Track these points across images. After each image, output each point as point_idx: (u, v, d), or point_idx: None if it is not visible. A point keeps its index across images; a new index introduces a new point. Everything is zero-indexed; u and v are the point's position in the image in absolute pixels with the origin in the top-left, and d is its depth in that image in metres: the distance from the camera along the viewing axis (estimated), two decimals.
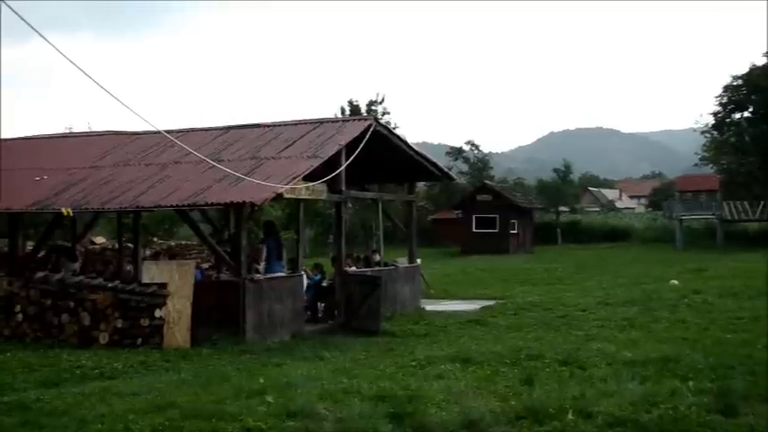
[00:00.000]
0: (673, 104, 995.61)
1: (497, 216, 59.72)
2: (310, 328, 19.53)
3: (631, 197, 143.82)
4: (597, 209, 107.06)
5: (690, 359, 11.98)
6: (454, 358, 12.88)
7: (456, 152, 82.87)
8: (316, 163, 18.87)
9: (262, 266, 19.89)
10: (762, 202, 56.31)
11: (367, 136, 20.40)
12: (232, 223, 21.60)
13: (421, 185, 59.94)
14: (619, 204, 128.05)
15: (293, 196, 19.03)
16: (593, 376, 10.99)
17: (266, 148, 20.54)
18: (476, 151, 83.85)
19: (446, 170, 28.00)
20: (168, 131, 20.00)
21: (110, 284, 17.62)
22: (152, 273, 18.15)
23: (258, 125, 22.85)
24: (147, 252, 25.79)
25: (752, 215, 57.24)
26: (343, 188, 20.56)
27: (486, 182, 68.16)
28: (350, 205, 25.36)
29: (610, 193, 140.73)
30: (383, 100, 66.85)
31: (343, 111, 64.75)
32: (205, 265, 23.17)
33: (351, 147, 20.07)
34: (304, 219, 23.35)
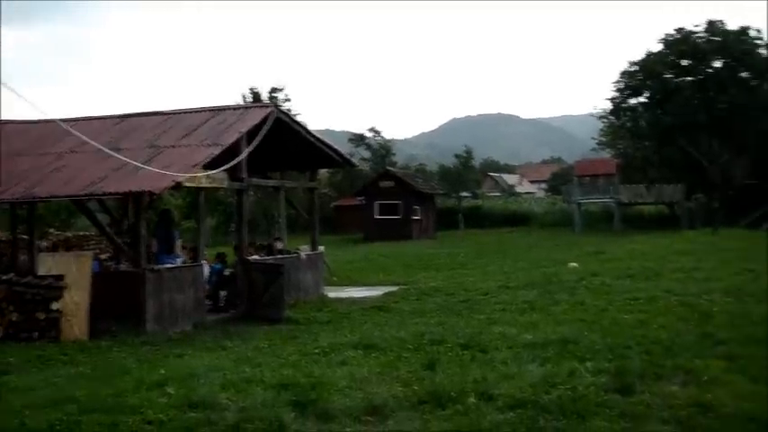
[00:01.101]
0: (572, 90, 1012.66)
1: (400, 202, 59.92)
2: (212, 318, 19.34)
3: (532, 182, 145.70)
4: (498, 194, 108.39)
5: (588, 340, 12.23)
6: (357, 345, 12.92)
7: (358, 139, 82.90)
8: (216, 151, 18.65)
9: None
10: (657, 186, 57.66)
11: (268, 123, 20.26)
12: (131, 213, 21.18)
13: (323, 173, 59.84)
14: (519, 189, 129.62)
15: (193, 185, 18.79)
16: (495, 359, 11.12)
17: (165, 136, 20.23)
18: (378, 138, 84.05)
19: (348, 157, 28.02)
20: (63, 120, 19.53)
21: (3, 277, 17.15)
22: (48, 265, 17.75)
23: (157, 113, 22.48)
24: (44, 244, 25.15)
25: (647, 198, 58.60)
26: (245, 176, 20.37)
27: (389, 168, 68.42)
28: (251, 193, 25.16)
29: (510, 179, 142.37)
30: (284, 87, 66.71)
31: (244, 98, 64.30)
32: (104, 256, 22.75)
33: (252, 134, 19.90)
34: (204, 207, 23.09)
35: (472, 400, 8.77)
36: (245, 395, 9.32)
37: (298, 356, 12.37)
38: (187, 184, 18.38)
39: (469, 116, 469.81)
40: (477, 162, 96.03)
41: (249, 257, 21.36)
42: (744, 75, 60.59)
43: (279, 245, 24.17)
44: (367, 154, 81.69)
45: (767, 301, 16.19)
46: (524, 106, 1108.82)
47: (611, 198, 58.81)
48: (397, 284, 26.16)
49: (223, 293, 21.18)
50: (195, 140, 19.53)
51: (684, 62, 61.85)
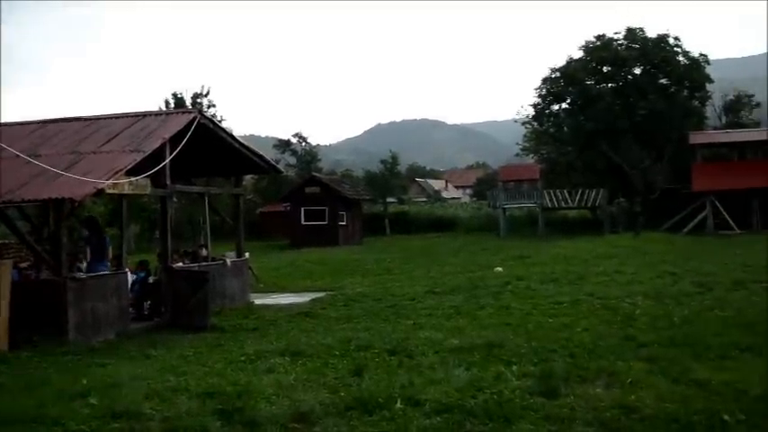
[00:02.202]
0: (496, 96, 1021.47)
1: (326, 208, 59.87)
2: (136, 327, 19.05)
3: (457, 187, 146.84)
4: (424, 199, 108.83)
5: (513, 344, 12.35)
6: (284, 351, 12.87)
7: (284, 145, 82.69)
8: (138, 157, 18.39)
9: (84, 265, 19.26)
10: (580, 191, 58.44)
11: (191, 129, 20.06)
12: (52, 221, 20.76)
13: (249, 179, 59.53)
14: (445, 194, 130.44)
15: (115, 191, 18.46)
16: (422, 364, 11.17)
17: (86, 142, 19.88)
18: (304, 144, 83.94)
19: (273, 163, 27.85)
20: None
21: None
22: None
23: (78, 119, 22.09)
24: None
25: (571, 203, 59.31)
26: (168, 182, 20.13)
27: (315, 174, 68.24)
28: (175, 200, 24.80)
29: (436, 184, 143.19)
30: (208, 93, 66.27)
31: (167, 104, 63.71)
32: (24, 265, 22.26)
33: (176, 140, 19.68)
34: (127, 214, 22.73)
35: (399, 405, 8.79)
36: (170, 404, 9.22)
37: (223, 364, 12.27)
38: (109, 191, 18.04)
39: (395, 121, 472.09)
40: (402, 167, 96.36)
41: (174, 265, 21.11)
42: (663, 81, 61.75)
43: (204, 252, 23.93)
44: (292, 160, 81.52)
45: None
46: (449, 112, 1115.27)
47: (535, 203, 59.43)
48: (324, 291, 26.09)
49: (147, 302, 20.90)
50: (117, 146, 19.24)
51: (605, 69, 62.79)
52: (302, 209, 60.77)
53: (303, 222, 60.40)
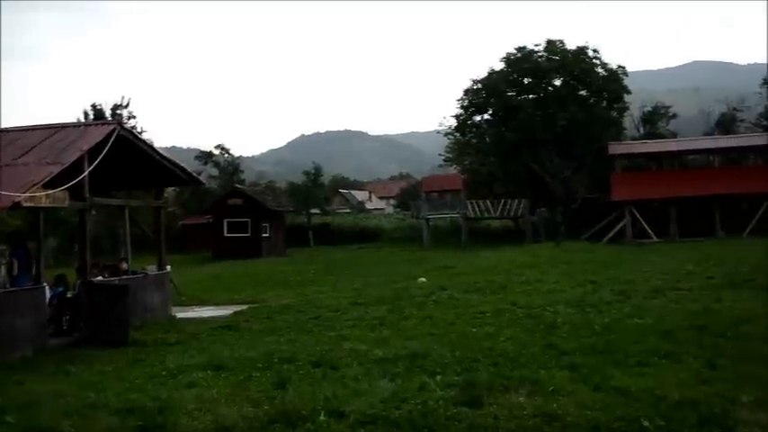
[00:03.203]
0: (418, 107, 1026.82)
1: (249, 220, 59.43)
2: (55, 342, 18.67)
3: (381, 198, 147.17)
4: (348, 210, 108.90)
5: (437, 354, 12.39)
6: (206, 365, 12.73)
7: (206, 156, 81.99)
8: (56, 169, 18.04)
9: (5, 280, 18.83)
10: (502, 201, 58.96)
11: (111, 141, 19.75)
12: None
13: (170, 191, 58.84)
14: (369, 205, 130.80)
15: (32, 205, 18.09)
16: (346, 376, 11.14)
17: (1, 154, 19.46)
18: (226, 155, 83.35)
19: (195, 175, 27.56)
20: None
21: None
22: None
23: None
24: None
25: (493, 213, 59.79)
26: (87, 195, 19.79)
27: (237, 186, 67.81)
28: (94, 213, 24.42)
29: (360, 195, 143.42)
30: (128, 104, 65.33)
31: (86, 115, 62.67)
32: None
33: (95, 152, 19.35)
34: (44, 228, 22.30)
35: (323, 418, 8.75)
36: (90, 422, 9.06)
37: (144, 379, 12.10)
38: (25, 204, 17.69)
39: (318, 132, 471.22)
40: (326, 179, 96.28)
41: (93, 278, 20.74)
42: (582, 93, 62.68)
43: (124, 265, 23.59)
44: (215, 171, 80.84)
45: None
46: (373, 123, 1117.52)
47: (458, 213, 59.75)
48: (247, 303, 25.92)
49: (66, 317, 20.49)
50: (34, 159, 18.86)
51: (526, 80, 63.50)
52: (225, 221, 60.24)
53: (226, 234, 59.88)
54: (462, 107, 65.77)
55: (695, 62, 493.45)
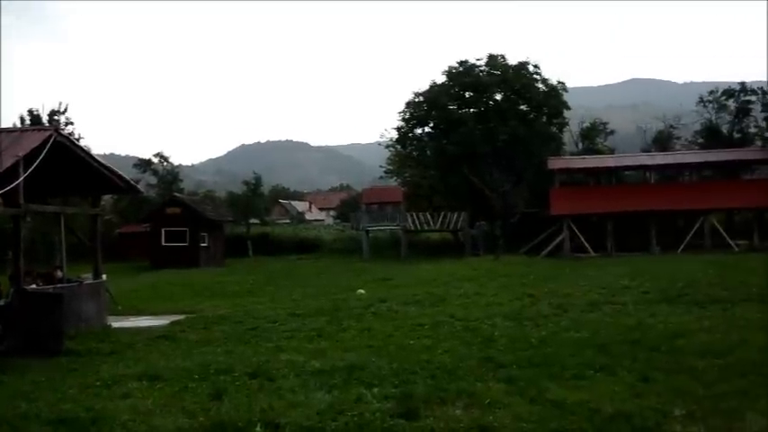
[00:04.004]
0: (360, 119, 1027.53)
1: (187, 229, 58.98)
2: None
3: (321, 209, 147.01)
4: (288, 221, 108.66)
5: (375, 366, 12.39)
6: (141, 376, 12.58)
7: (144, 164, 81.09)
8: None
9: None
10: (442, 213, 59.19)
11: (47, 147, 19.47)
12: None
13: (108, 198, 58.16)
14: (309, 216, 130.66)
15: None
16: (283, 387, 11.09)
17: None
18: (165, 163, 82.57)
19: (133, 183, 27.26)
20: None
21: None
22: None
23: None
24: None
25: (433, 225, 60.01)
26: (22, 202, 19.47)
27: (176, 194, 67.22)
28: (29, 219, 23.99)
29: (300, 205, 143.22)
30: (66, 109, 64.55)
31: (22, 121, 61.76)
32: None
33: (31, 158, 19.05)
34: None
35: (259, 429, 8.71)
36: None
37: (77, 390, 11.90)
38: None
39: (259, 142, 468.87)
40: (266, 189, 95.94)
41: (26, 286, 20.39)
42: (523, 107, 63.30)
43: (59, 273, 23.24)
44: (153, 180, 79.99)
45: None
46: (314, 134, 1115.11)
47: (398, 225, 59.88)
48: (185, 313, 25.66)
49: None
50: None
51: (467, 94, 63.94)
52: (163, 230, 59.67)
53: (164, 243, 59.30)
54: (404, 119, 66.06)
55: (634, 80, 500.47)
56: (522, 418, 8.92)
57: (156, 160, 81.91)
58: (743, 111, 64.99)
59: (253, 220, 76.16)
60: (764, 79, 67.99)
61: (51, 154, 19.56)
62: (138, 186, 30.86)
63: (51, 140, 19.82)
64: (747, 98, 64.61)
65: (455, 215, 58.45)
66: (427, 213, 60.12)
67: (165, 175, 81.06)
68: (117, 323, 23.52)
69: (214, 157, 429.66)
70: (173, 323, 23.09)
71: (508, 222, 57.63)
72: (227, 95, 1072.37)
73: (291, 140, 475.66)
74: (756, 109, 64.50)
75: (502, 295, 24.85)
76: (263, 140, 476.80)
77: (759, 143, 64.79)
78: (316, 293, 30.13)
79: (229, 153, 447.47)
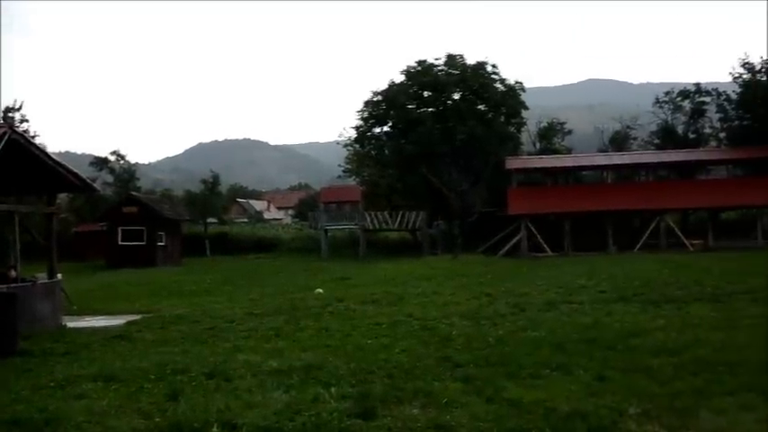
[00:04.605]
0: (318, 118, 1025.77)
1: (144, 228, 58.61)
2: None
3: (279, 208, 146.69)
4: (246, 220, 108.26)
5: (332, 366, 12.37)
6: (96, 376, 12.46)
7: (101, 162, 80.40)
8: None
9: None
10: (400, 213, 59.30)
11: (1, 144, 19.23)
12: None
13: (63, 197, 57.62)
14: (267, 215, 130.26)
15: None
16: (239, 388, 11.04)
17: None
18: (122, 162, 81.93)
19: (89, 181, 26.99)
20: None
21: None
22: None
23: None
24: None
25: (391, 225, 60.12)
26: None
27: (133, 193, 66.75)
28: None
29: (258, 204, 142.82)
30: (21, 107, 63.85)
31: None
32: None
33: None
34: None
35: (215, 430, 8.67)
36: None
37: (31, 391, 11.76)
38: None
39: (217, 141, 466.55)
40: (224, 187, 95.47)
41: None
42: (481, 107, 63.59)
43: (13, 272, 22.96)
44: (110, 178, 79.36)
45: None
46: (272, 132, 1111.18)
47: (356, 224, 59.93)
48: (141, 313, 25.45)
49: None
50: None
51: (426, 93, 64.14)
52: (119, 229, 59.26)
53: (120, 242, 58.89)
54: (362, 119, 66.18)
55: (591, 80, 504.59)
56: (478, 418, 8.94)
57: (112, 158, 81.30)
58: (698, 111, 65.81)
59: (210, 219, 75.85)
60: (719, 80, 68.95)
61: (5, 152, 19.34)
62: (95, 185, 30.57)
63: (6, 138, 19.59)
64: (702, 99, 65.44)
65: (413, 214, 58.57)
66: (386, 213, 60.22)
67: (122, 173, 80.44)
68: (72, 323, 23.27)
69: (171, 155, 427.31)
70: (129, 323, 22.88)
71: (466, 222, 57.91)
72: (184, 93, 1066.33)
73: (249, 139, 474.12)
74: (711, 110, 65.36)
75: (459, 294, 24.94)
76: (221, 139, 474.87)
77: (714, 144, 65.67)
78: (274, 293, 30.03)
79: (187, 151, 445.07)
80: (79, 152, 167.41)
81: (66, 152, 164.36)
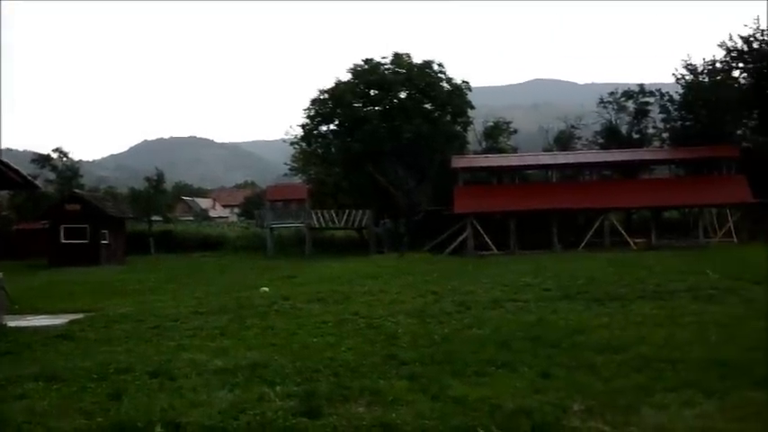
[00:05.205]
0: (265, 116, 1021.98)
1: (87, 226, 57.89)
2: None
3: (225, 206, 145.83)
4: (191, 218, 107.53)
5: (278, 364, 12.34)
6: (38, 376, 12.29)
7: (43, 159, 79.35)
8: None
9: None
10: (347, 211, 59.29)
11: None
12: None
13: (4, 194, 56.77)
14: (212, 213, 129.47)
15: None
16: (184, 387, 10.96)
17: None
18: (65, 159, 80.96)
19: (30, 178, 26.64)
20: None
21: None
22: None
23: None
24: None
25: (338, 223, 60.11)
26: None
27: (76, 191, 65.94)
28: None
29: (203, 202, 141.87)
30: None
31: None
32: None
33: None
34: None
35: (159, 429, 8.60)
36: None
37: None
38: None
39: (162, 138, 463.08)
40: (169, 185, 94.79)
41: None
42: (427, 106, 63.83)
43: None
44: (52, 175, 78.36)
45: None
46: (218, 130, 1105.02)
47: (302, 222, 59.85)
48: (84, 312, 25.11)
49: None
50: None
51: (372, 92, 64.23)
52: (62, 227, 58.45)
53: (63, 241, 58.07)
54: (309, 117, 66.11)
55: (536, 80, 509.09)
56: (424, 416, 8.97)
57: (55, 155, 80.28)
58: (641, 112, 66.62)
59: (155, 217, 75.25)
60: (663, 81, 69.91)
61: None
62: (36, 182, 30.19)
63: None
64: (646, 100, 66.26)
65: (360, 213, 58.62)
66: (332, 211, 60.18)
67: (65, 170, 79.50)
68: (13, 322, 22.89)
69: (116, 152, 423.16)
70: (72, 322, 22.57)
71: (412, 220, 58.07)
72: (128, 90, 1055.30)
73: (195, 137, 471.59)
74: (654, 110, 66.20)
75: (405, 293, 24.97)
76: (166, 136, 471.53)
77: (657, 144, 66.55)
78: (219, 291, 29.83)
79: (131, 149, 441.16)
80: (21, 149, 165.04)
81: (7, 149, 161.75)
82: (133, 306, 25.98)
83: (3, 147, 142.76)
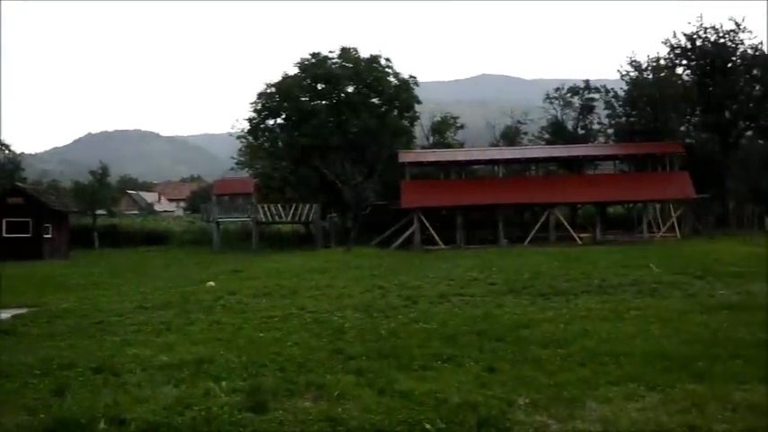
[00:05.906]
0: (211, 109, 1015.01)
1: (30, 220, 57.06)
2: None
3: (171, 200, 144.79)
4: (136, 212, 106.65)
5: (224, 359, 12.29)
6: None
7: None
8: None
9: None
10: (294, 205, 59.16)
11: None
12: None
13: None
14: (158, 207, 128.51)
15: None
16: (128, 382, 10.87)
17: None
18: (7, 152, 79.82)
19: None
20: None
21: None
22: None
23: None
24: None
25: (285, 217, 59.95)
26: None
27: (18, 184, 64.90)
28: None
29: (149, 197, 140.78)
30: None
31: None
32: None
33: None
34: None
35: (103, 426, 8.51)
36: None
37: None
38: None
39: (106, 131, 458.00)
40: (114, 179, 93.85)
41: None
42: (375, 100, 63.90)
43: None
44: None
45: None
46: (164, 123, 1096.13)
47: (249, 217, 59.62)
48: (27, 306, 24.78)
49: None
50: None
51: (320, 86, 64.14)
52: (4, 221, 57.50)
53: (4, 235, 57.14)
54: (256, 111, 65.84)
55: (483, 75, 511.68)
56: (370, 410, 8.98)
57: None
58: (587, 108, 67.40)
59: (100, 212, 74.40)
60: (608, 78, 70.67)
61: None
62: None
63: None
64: (591, 96, 67.07)
65: (307, 207, 58.53)
66: (279, 205, 59.99)
67: (6, 163, 78.47)
68: None
69: (59, 145, 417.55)
70: (14, 317, 22.24)
71: (359, 215, 58.09)
72: (72, 80, 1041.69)
73: (140, 130, 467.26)
74: (600, 106, 66.97)
75: (352, 287, 24.99)
76: (110, 129, 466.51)
77: (602, 139, 67.30)
78: (164, 286, 29.58)
79: (75, 142, 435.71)
80: None
81: None
82: (77, 301, 25.67)
83: None
